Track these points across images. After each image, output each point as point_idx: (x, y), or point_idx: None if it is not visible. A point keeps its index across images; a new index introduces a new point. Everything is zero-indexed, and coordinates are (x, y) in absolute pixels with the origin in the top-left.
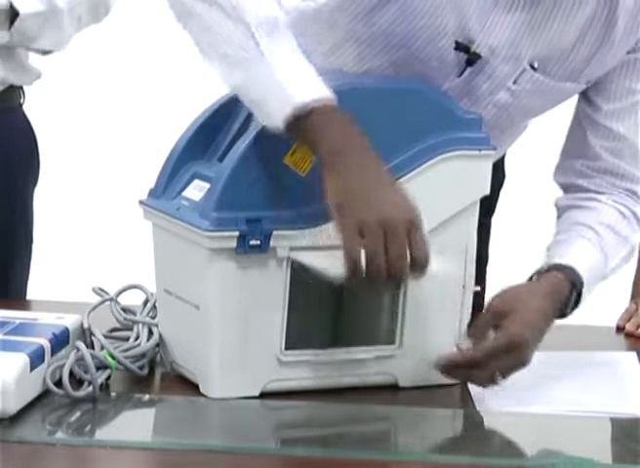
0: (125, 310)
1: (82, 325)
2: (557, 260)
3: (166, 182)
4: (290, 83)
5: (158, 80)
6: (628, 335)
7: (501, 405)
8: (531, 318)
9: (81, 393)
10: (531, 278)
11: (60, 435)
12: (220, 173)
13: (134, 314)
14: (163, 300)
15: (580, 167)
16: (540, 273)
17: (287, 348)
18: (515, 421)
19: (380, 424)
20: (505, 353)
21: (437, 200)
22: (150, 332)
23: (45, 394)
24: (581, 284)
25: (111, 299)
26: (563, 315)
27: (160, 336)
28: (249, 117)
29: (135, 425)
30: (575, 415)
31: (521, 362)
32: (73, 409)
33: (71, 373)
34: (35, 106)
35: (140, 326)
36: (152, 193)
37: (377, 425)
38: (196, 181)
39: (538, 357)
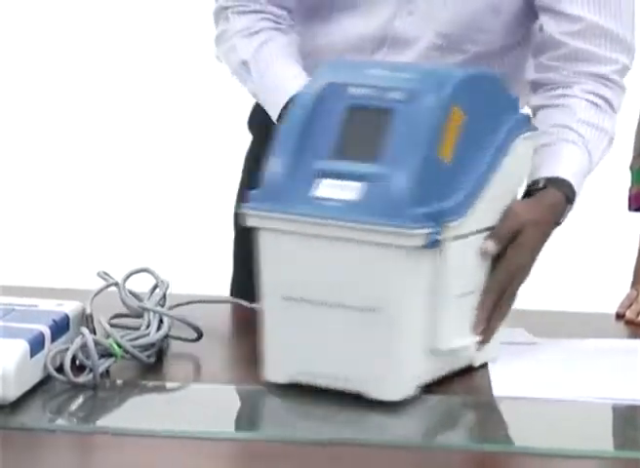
0: (135, 295)
1: (84, 311)
2: (550, 174)
3: (275, 185)
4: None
5: (156, 67)
6: (628, 323)
7: (518, 390)
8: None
9: (82, 379)
10: (528, 194)
11: (60, 421)
12: (390, 170)
13: (141, 300)
14: (282, 308)
15: (546, 61)
16: (536, 190)
17: None
18: (524, 407)
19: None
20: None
21: (514, 182)
22: (161, 322)
23: (45, 381)
24: (574, 194)
25: (116, 284)
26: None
27: (268, 345)
28: (353, 111)
29: (138, 412)
30: (587, 401)
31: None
32: (74, 395)
33: (73, 360)
34: (41, 100)
35: (152, 314)
36: (257, 198)
37: (388, 412)
38: (327, 180)
39: (560, 344)
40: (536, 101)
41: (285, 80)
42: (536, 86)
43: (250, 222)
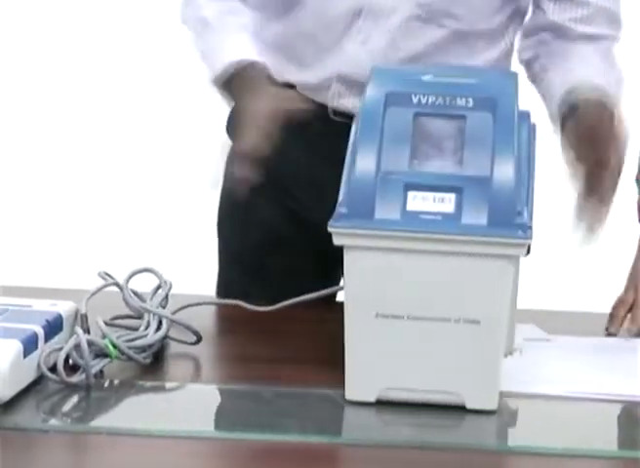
0: (137, 296)
1: (77, 311)
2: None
3: (363, 201)
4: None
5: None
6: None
7: (511, 385)
8: None
9: (75, 379)
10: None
11: (53, 422)
12: (483, 179)
13: (144, 301)
14: (373, 326)
15: (545, 36)
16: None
17: None
18: (517, 404)
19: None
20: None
21: None
22: (160, 323)
23: (39, 381)
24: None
25: (117, 284)
26: None
27: (354, 364)
28: (422, 120)
29: (133, 412)
30: (589, 400)
31: None
32: (68, 395)
33: (68, 361)
34: (43, 99)
35: (151, 315)
36: (345, 215)
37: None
38: (417, 193)
39: (569, 341)
40: (529, 52)
41: (235, 47)
42: (529, 62)
43: (340, 241)
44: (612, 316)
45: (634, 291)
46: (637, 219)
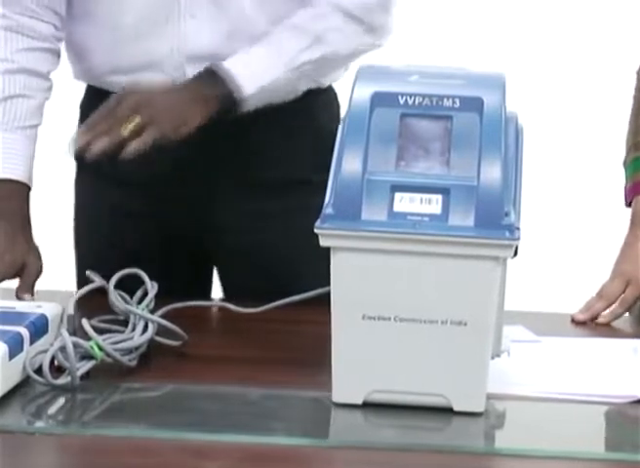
0: (123, 298)
1: (63, 313)
2: None
3: (349, 202)
4: None
5: None
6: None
7: (498, 387)
8: None
9: (60, 381)
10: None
11: (39, 424)
12: (471, 181)
13: (130, 303)
14: (361, 327)
15: None
16: None
17: None
18: (505, 406)
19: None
20: None
21: None
22: (146, 325)
23: (25, 383)
24: None
25: (104, 286)
26: None
27: (340, 366)
28: (408, 121)
29: (118, 414)
30: (578, 402)
31: None
32: (54, 397)
33: (54, 362)
34: None
35: (137, 317)
36: (332, 217)
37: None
38: (404, 194)
39: (559, 343)
40: None
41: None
42: None
43: (327, 242)
44: (588, 306)
45: (621, 282)
46: (625, 204)
